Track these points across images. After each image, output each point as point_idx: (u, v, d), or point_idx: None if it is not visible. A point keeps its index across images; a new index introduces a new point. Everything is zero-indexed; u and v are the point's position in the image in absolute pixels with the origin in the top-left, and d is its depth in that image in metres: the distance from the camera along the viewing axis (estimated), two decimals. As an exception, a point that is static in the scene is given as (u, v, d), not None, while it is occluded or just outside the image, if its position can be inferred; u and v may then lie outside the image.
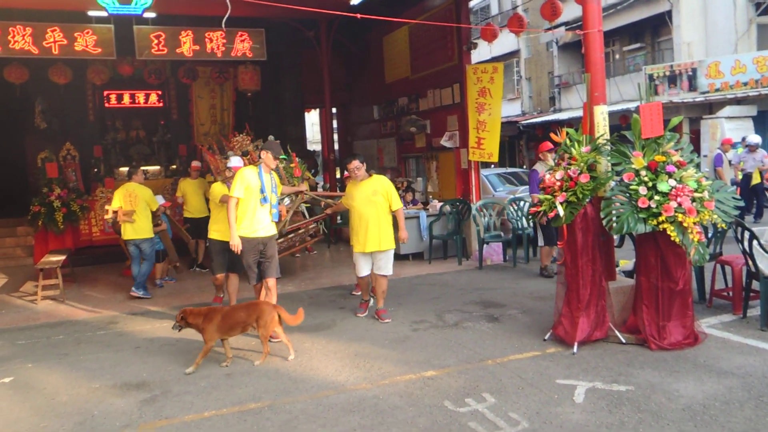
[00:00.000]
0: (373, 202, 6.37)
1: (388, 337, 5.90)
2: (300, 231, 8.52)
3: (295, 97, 15.57)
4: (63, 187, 11.05)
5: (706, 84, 17.73)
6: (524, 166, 22.86)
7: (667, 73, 18.62)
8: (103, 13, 8.80)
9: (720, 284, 6.44)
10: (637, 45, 21.95)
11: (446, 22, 10.14)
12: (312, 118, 26.82)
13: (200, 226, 9.18)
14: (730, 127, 15.45)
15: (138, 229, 8.09)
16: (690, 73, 18.08)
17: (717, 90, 17.53)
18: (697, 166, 5.16)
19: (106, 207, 8.49)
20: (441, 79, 10.82)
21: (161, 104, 15.92)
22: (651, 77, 18.53)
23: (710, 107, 17.71)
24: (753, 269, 5.59)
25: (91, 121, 15.20)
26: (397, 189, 6.79)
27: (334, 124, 17.58)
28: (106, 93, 15.25)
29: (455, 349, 5.39)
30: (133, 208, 8.05)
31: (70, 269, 9.69)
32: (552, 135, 5.87)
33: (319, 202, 8.53)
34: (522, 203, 9.41)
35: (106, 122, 15.65)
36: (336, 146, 17.33)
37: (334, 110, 16.42)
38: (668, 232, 4.82)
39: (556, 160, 5.55)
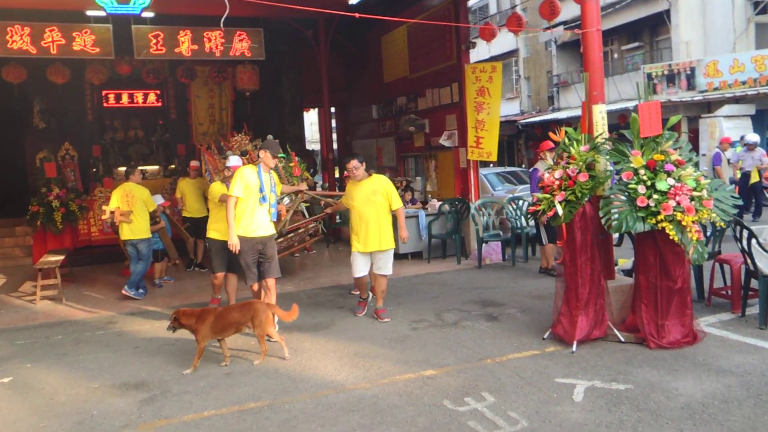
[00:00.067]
0: (373, 202, 6.36)
1: (387, 336, 5.90)
2: (300, 231, 8.51)
3: (293, 97, 15.57)
4: (62, 186, 11.04)
5: (705, 83, 17.74)
6: (523, 165, 22.90)
7: (666, 72, 18.63)
8: (102, 13, 8.80)
9: (719, 283, 6.44)
10: (636, 44, 21.97)
11: (445, 22, 10.14)
12: (311, 118, 26.80)
13: (199, 225, 9.17)
14: (729, 126, 15.47)
15: (135, 230, 8.08)
16: (688, 72, 18.09)
17: (715, 89, 17.55)
18: (696, 164, 5.16)
19: (104, 207, 8.48)
20: (440, 79, 10.82)
21: (160, 104, 15.91)
22: (649, 76, 18.53)
23: (709, 106, 17.72)
24: (752, 268, 5.59)
25: (89, 121, 15.19)
26: (396, 188, 6.77)
27: (333, 123, 17.60)
28: (104, 93, 15.25)
29: (454, 348, 5.39)
30: (130, 208, 8.04)
31: (68, 269, 9.69)
32: (551, 134, 5.88)
33: (319, 201, 8.53)
34: (521, 202, 9.41)
35: (104, 122, 15.64)
36: (335, 146, 17.33)
37: (332, 110, 16.43)
38: (667, 231, 4.82)
39: (555, 159, 5.55)
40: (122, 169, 13.20)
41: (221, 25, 6.60)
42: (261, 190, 5.84)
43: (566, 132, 5.50)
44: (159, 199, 9.17)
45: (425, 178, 11.82)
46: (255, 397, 4.55)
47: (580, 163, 5.20)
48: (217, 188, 7.11)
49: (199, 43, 10.46)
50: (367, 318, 6.58)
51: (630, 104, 17.62)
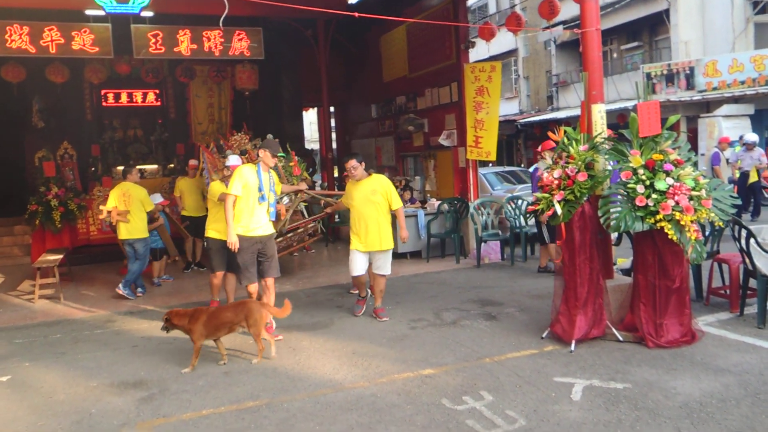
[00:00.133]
0: (373, 202, 6.35)
1: (386, 335, 5.90)
2: (299, 230, 8.51)
3: (293, 96, 15.57)
4: (60, 186, 11.03)
5: (704, 83, 17.76)
6: (522, 165, 22.89)
7: (665, 72, 18.65)
8: (101, 12, 8.80)
9: (717, 282, 6.45)
10: (635, 44, 21.99)
11: (444, 21, 10.14)
12: (310, 117, 26.80)
13: (198, 224, 9.16)
14: (728, 126, 15.48)
15: (132, 229, 8.07)
16: (687, 72, 18.11)
17: (714, 89, 17.57)
18: (695, 164, 5.17)
19: (101, 207, 8.47)
20: (439, 78, 10.83)
21: (159, 103, 15.90)
22: (649, 76, 18.55)
23: (708, 106, 17.73)
24: (750, 267, 5.59)
25: (88, 120, 15.18)
26: (395, 187, 6.76)
27: (332, 123, 17.60)
28: (103, 92, 15.24)
29: (453, 348, 5.39)
30: (127, 208, 8.03)
31: (67, 268, 9.69)
32: (550, 134, 5.88)
33: (319, 201, 8.52)
34: (520, 202, 9.42)
35: (103, 121, 15.63)
36: (334, 145, 17.33)
37: (332, 109, 16.42)
38: (666, 231, 4.83)
39: (554, 159, 5.55)
40: (121, 168, 13.20)
41: (220, 24, 6.60)
42: (260, 189, 5.83)
43: (565, 131, 5.50)
44: (158, 198, 9.15)
45: (424, 177, 11.82)
46: (253, 395, 4.55)
47: (579, 162, 5.21)
48: (216, 187, 7.09)
49: (199, 42, 10.45)
50: (365, 317, 6.58)
51: (629, 104, 17.63)
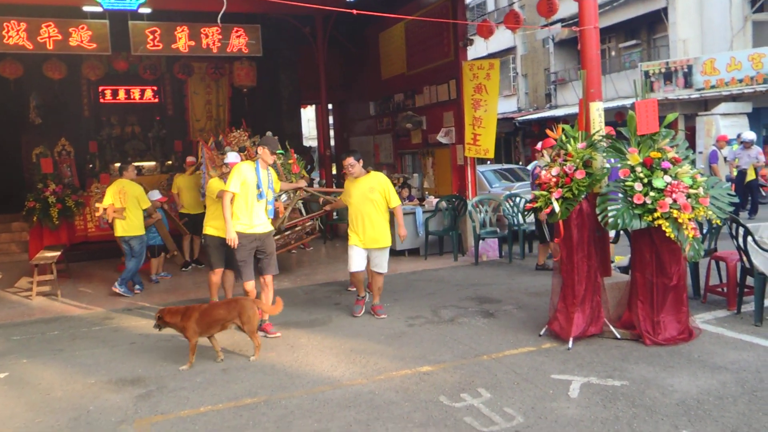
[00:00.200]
0: (370, 199, 6.34)
1: (383, 332, 5.90)
2: (297, 228, 8.50)
3: (291, 94, 15.55)
4: (58, 182, 11.02)
5: (702, 81, 17.79)
6: (520, 163, 22.91)
7: (663, 70, 18.68)
8: (98, 9, 8.77)
9: (714, 280, 6.46)
10: (633, 42, 22.00)
11: (442, 19, 10.14)
12: (308, 115, 26.79)
13: (196, 221, 9.14)
14: (726, 124, 15.51)
15: (128, 226, 8.05)
16: (685, 70, 18.13)
17: (712, 87, 17.60)
18: (693, 162, 5.18)
19: (97, 205, 8.45)
20: (437, 76, 10.82)
21: (156, 100, 15.87)
22: (647, 74, 18.57)
23: (705, 104, 17.77)
24: (747, 265, 5.61)
25: (86, 117, 15.16)
26: (393, 185, 6.74)
27: (331, 120, 17.59)
28: (101, 89, 15.21)
29: (451, 345, 5.40)
30: (123, 205, 8.01)
31: (65, 265, 9.68)
32: (548, 131, 5.89)
33: (317, 198, 8.51)
34: (518, 199, 9.42)
35: (101, 118, 15.60)
36: (332, 142, 17.33)
37: (330, 106, 16.42)
38: (663, 228, 4.83)
39: (552, 156, 5.55)
40: (118, 165, 13.17)
41: (218, 21, 6.59)
42: (258, 187, 5.82)
43: (563, 129, 5.51)
44: (156, 195, 9.14)
45: (422, 175, 11.82)
46: (251, 392, 4.55)
47: (577, 160, 5.21)
48: (215, 184, 7.06)
49: (196, 39, 10.43)
50: (363, 314, 6.58)
51: (627, 102, 17.64)
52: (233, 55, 11.41)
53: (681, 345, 5.01)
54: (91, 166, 14.49)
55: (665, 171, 4.95)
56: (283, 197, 8.11)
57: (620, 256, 7.09)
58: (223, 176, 7.03)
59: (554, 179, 5.25)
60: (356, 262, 6.41)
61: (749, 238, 5.47)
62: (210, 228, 6.65)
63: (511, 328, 5.80)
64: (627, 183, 5.00)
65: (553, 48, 24.54)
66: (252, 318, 5.23)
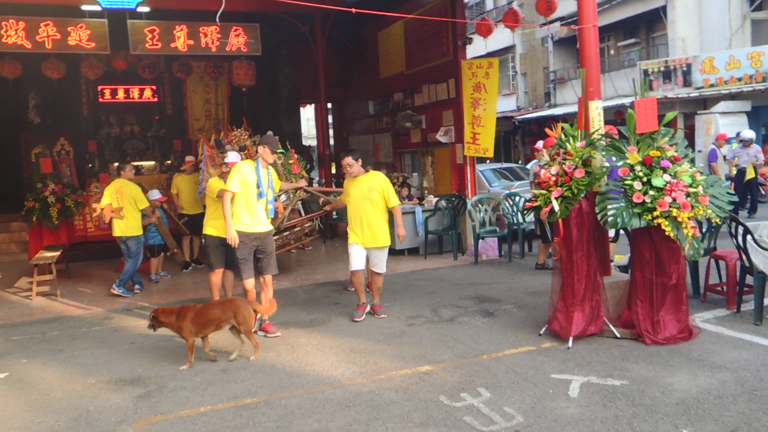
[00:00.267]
0: (369, 199, 6.33)
1: (383, 332, 5.90)
2: (295, 229, 8.49)
3: (290, 93, 15.55)
4: (57, 182, 11.00)
5: (701, 79, 17.79)
6: (519, 162, 22.91)
7: (662, 69, 18.68)
8: (97, 8, 8.74)
9: (714, 279, 6.47)
10: (632, 40, 22.00)
11: (441, 17, 10.13)
12: (307, 114, 26.78)
13: (195, 221, 9.13)
14: (725, 123, 15.52)
15: (124, 227, 8.03)
16: (684, 69, 18.13)
17: (711, 85, 17.60)
18: (692, 161, 5.18)
19: (94, 205, 8.44)
20: (436, 75, 10.81)
21: (155, 99, 15.87)
22: (646, 72, 18.57)
23: (704, 103, 17.77)
24: (747, 264, 5.61)
25: (85, 116, 15.15)
26: (393, 184, 6.71)
27: (330, 119, 17.58)
28: (100, 88, 15.22)
29: (450, 344, 5.40)
30: (120, 205, 8.00)
31: (64, 265, 9.67)
32: (547, 130, 5.88)
33: (317, 199, 8.50)
34: (517, 198, 9.42)
35: (100, 117, 15.60)
36: (331, 141, 17.32)
37: (329, 105, 16.41)
38: (663, 227, 4.84)
39: (551, 155, 5.55)
40: (117, 164, 13.17)
41: (217, 20, 6.57)
42: (258, 186, 5.82)
43: (562, 128, 5.50)
44: (156, 194, 9.13)
45: (422, 174, 11.82)
46: (251, 392, 4.55)
47: (576, 159, 5.21)
48: (215, 183, 7.04)
49: (195, 38, 10.42)
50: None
51: (626, 100, 17.64)
52: (232, 54, 11.39)
53: (681, 344, 5.01)
54: (90, 165, 14.49)
55: (664, 170, 4.95)
56: (282, 197, 8.10)
57: (620, 255, 7.09)
58: (223, 176, 7.01)
59: (553, 178, 5.24)
60: (357, 260, 6.37)
61: (749, 237, 5.47)
62: (210, 228, 6.62)
63: (511, 327, 5.80)
64: (626, 182, 5.00)
65: (552, 47, 24.53)
66: (247, 319, 5.23)
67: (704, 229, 6.28)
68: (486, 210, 9.54)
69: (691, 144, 14.34)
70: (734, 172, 11.97)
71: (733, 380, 4.26)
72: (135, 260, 8.18)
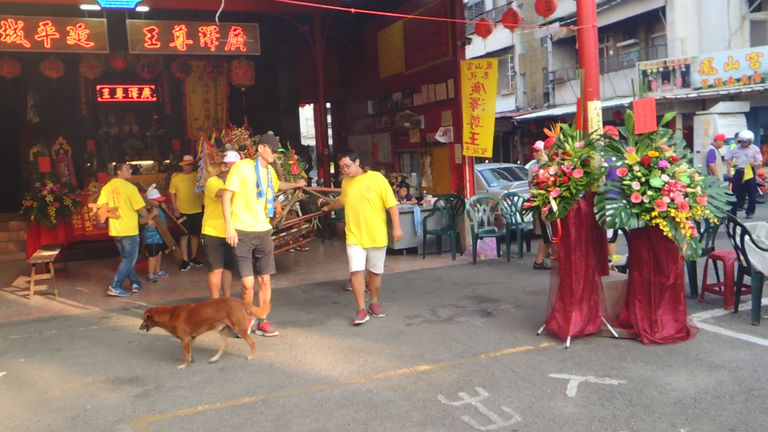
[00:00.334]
0: (367, 199, 6.31)
1: (381, 331, 5.90)
2: (293, 230, 8.48)
3: (289, 92, 15.55)
4: (56, 181, 10.98)
5: (700, 80, 17.81)
6: (518, 162, 22.92)
7: (661, 69, 18.69)
8: (96, 7, 8.74)
9: (712, 279, 6.48)
10: (631, 41, 22.02)
11: (440, 18, 10.14)
12: (306, 113, 26.76)
13: (194, 221, 9.12)
14: (723, 123, 15.53)
15: (120, 227, 8.02)
16: (683, 69, 18.14)
17: (710, 86, 17.61)
18: (690, 161, 5.19)
19: (90, 204, 8.43)
20: (435, 75, 10.82)
21: (154, 99, 15.85)
22: (644, 73, 18.58)
23: (703, 103, 17.79)
24: (744, 264, 5.62)
25: (83, 116, 15.13)
26: (391, 184, 6.70)
27: (329, 119, 17.59)
28: (99, 87, 15.18)
29: (449, 344, 5.40)
30: (116, 204, 7.99)
31: (62, 264, 9.67)
32: (546, 130, 5.88)
33: (315, 199, 8.48)
34: (516, 198, 9.43)
35: (99, 117, 15.58)
36: (330, 141, 17.31)
37: (328, 105, 16.41)
38: (661, 228, 4.84)
39: (549, 155, 5.56)
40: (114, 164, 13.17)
41: (216, 20, 6.57)
42: (258, 185, 5.82)
43: (561, 128, 5.51)
44: (155, 194, 9.12)
45: (420, 174, 11.83)
46: (249, 392, 4.55)
47: (575, 159, 5.21)
48: (214, 183, 7.01)
49: (194, 37, 10.42)
50: (361, 313, 6.57)
51: (625, 101, 17.66)
52: (231, 54, 11.38)
53: (678, 344, 5.02)
54: (88, 164, 14.46)
55: (663, 170, 4.95)
56: (281, 197, 8.09)
57: (618, 255, 7.09)
58: (222, 175, 7.00)
59: (552, 178, 5.25)
60: (356, 261, 6.33)
61: (746, 237, 5.48)
62: (209, 228, 6.58)
63: (509, 327, 5.80)
64: (625, 182, 5.01)
65: (551, 47, 24.55)
66: (241, 319, 5.22)
67: (702, 230, 6.29)
68: (484, 210, 9.55)
69: (690, 144, 14.37)
70: (732, 172, 11.98)
71: (730, 380, 4.27)
72: (130, 260, 8.16)
